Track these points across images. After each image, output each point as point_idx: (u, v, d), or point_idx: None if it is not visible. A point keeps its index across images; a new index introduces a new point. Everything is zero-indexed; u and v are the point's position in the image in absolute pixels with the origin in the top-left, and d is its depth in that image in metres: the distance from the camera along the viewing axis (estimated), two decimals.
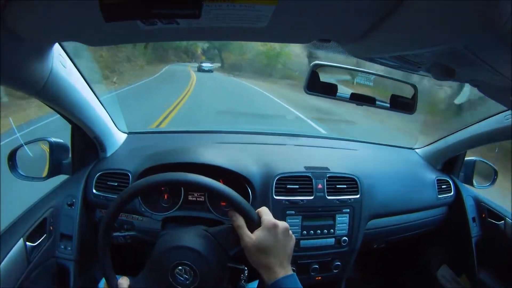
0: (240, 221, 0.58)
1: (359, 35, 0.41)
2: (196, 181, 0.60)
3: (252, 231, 0.57)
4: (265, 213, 0.59)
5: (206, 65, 17.56)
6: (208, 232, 0.62)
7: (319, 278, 1.00)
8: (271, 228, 0.56)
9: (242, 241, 0.57)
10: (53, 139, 0.93)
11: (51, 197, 0.89)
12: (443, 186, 1.22)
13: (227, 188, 0.60)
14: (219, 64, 22.09)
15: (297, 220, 0.94)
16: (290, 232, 0.58)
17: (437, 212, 1.22)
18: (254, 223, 0.58)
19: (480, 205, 1.23)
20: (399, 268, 1.48)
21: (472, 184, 1.27)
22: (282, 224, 0.57)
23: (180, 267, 0.58)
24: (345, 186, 0.99)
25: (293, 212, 0.94)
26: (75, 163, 0.96)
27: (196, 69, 17.06)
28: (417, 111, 0.80)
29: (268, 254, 0.55)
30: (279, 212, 0.93)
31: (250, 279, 0.74)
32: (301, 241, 0.94)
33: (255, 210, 0.61)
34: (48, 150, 0.92)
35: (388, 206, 1.09)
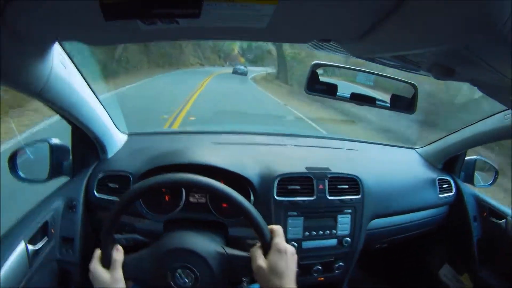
0: (258, 250, 0.60)
1: (359, 35, 0.41)
2: (222, 190, 0.59)
3: (263, 250, 0.59)
4: (279, 234, 0.61)
5: (240, 67, 16.35)
6: (225, 251, 0.62)
7: (322, 279, 1.00)
8: (283, 251, 0.58)
9: (255, 263, 0.58)
10: (53, 141, 0.92)
11: (52, 200, 0.89)
12: (444, 186, 1.22)
13: (246, 201, 0.60)
14: (271, 71, 14.87)
15: (299, 221, 0.94)
16: (295, 256, 0.61)
17: (438, 212, 1.22)
18: (266, 242, 0.59)
19: (481, 204, 1.23)
20: (401, 267, 1.48)
21: (473, 183, 1.27)
22: (290, 248, 0.60)
23: (181, 270, 0.58)
24: (346, 186, 0.99)
25: (295, 213, 0.94)
26: (75, 165, 0.96)
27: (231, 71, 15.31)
28: None
29: (281, 277, 0.57)
30: (281, 213, 0.93)
31: (252, 281, 0.74)
32: (303, 242, 0.94)
33: (261, 214, 0.61)
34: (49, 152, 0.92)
35: (390, 206, 1.09)
